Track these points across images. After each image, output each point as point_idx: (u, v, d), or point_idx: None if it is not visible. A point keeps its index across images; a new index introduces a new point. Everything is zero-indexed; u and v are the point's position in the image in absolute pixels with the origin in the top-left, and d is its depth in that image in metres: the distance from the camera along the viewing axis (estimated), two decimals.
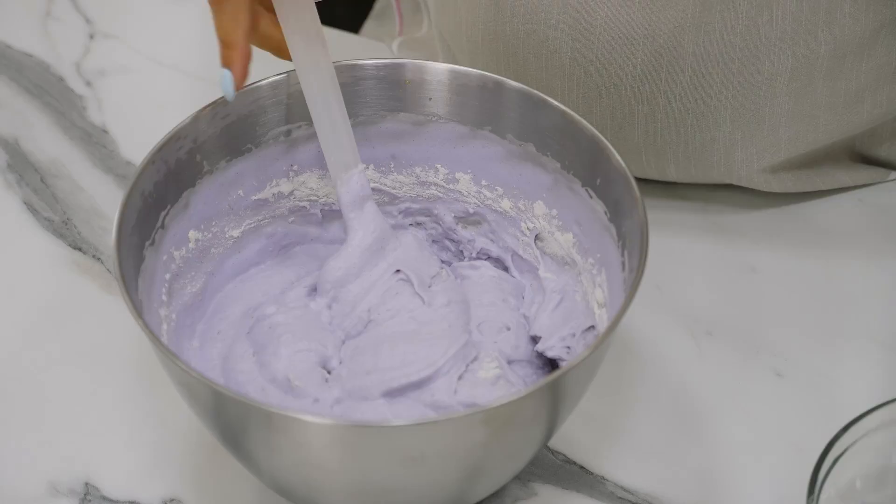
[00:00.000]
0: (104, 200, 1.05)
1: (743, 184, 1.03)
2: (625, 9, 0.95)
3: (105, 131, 1.10)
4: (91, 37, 1.17)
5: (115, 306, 0.99)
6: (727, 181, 1.03)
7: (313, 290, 0.92)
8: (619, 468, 0.90)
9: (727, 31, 0.95)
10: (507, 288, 0.93)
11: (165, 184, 0.87)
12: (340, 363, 0.88)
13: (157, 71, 1.15)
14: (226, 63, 0.85)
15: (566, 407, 0.82)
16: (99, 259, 1.02)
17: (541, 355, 0.90)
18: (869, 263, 1.00)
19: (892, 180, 1.06)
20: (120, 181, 1.06)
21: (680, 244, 1.01)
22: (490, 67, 0.99)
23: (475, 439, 0.78)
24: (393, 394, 0.86)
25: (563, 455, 0.91)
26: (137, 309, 0.80)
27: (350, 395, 0.86)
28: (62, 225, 1.04)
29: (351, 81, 0.91)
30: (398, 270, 0.92)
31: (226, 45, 0.85)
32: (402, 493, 0.81)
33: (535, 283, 0.93)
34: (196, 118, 0.88)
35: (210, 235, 0.91)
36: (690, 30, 0.95)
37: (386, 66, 0.91)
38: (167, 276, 0.88)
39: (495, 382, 0.86)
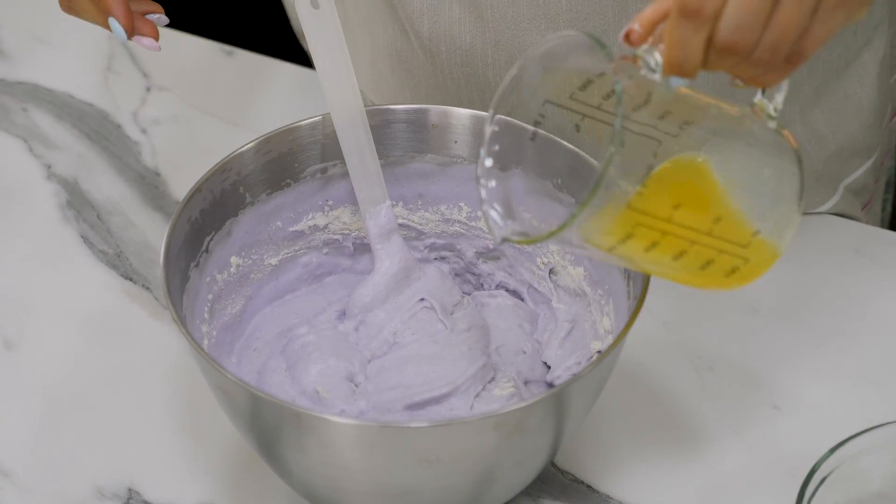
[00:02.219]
0: (154, 235, 1.13)
1: None
2: (551, 29, 1.02)
3: (157, 174, 1.19)
4: (147, 89, 1.26)
5: (161, 331, 1.07)
6: None
7: (342, 314, 1.00)
8: (623, 488, 0.96)
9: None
10: (522, 315, 1.00)
11: (211, 212, 0.95)
12: (366, 379, 0.96)
13: (205, 120, 1.23)
14: (108, 12, 0.90)
15: (572, 418, 0.88)
16: (148, 288, 1.10)
17: None
18: (861, 309, 1.07)
19: (826, 212, 1.13)
20: (169, 218, 1.14)
21: (687, 287, 1.08)
22: None
23: (487, 444, 0.84)
24: (414, 407, 0.93)
25: (572, 474, 0.97)
26: (181, 320, 0.88)
27: (374, 408, 0.93)
28: (115, 257, 1.12)
29: (382, 124, 0.98)
30: (422, 299, 0.99)
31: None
32: (419, 496, 0.88)
33: (549, 312, 1.00)
34: (241, 153, 0.96)
35: (250, 262, 0.99)
36: (613, 35, 1.02)
37: (415, 111, 0.99)
38: (209, 296, 0.96)
39: (510, 399, 0.93)
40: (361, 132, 0.96)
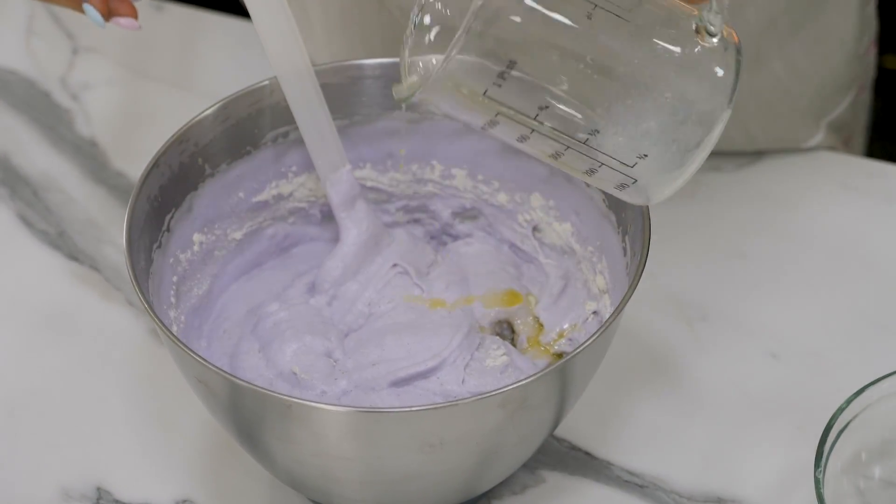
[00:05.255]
0: (98, 211, 1.06)
1: None
2: None
3: (94, 144, 1.11)
4: (74, 52, 1.18)
5: (116, 314, 1.00)
6: None
7: (312, 287, 0.94)
8: (624, 453, 0.92)
9: None
10: (504, 259, 0.95)
11: (169, 187, 0.89)
12: (345, 355, 0.90)
13: (141, 83, 1.16)
14: None
15: (576, 389, 0.83)
16: (96, 268, 1.03)
17: None
18: (854, 247, 1.03)
19: (812, 148, 1.09)
20: (112, 192, 1.07)
21: (670, 233, 1.03)
22: None
23: (491, 423, 0.79)
24: (400, 384, 0.87)
25: (569, 442, 0.93)
26: (151, 308, 0.81)
27: (357, 387, 0.88)
28: (57, 237, 1.05)
29: (348, 82, 0.92)
30: (395, 264, 0.94)
31: None
32: (419, 481, 0.82)
33: (538, 268, 0.95)
34: (198, 122, 0.89)
35: (213, 238, 0.92)
36: None
37: (381, 65, 0.93)
38: (174, 278, 0.89)
39: (504, 371, 0.88)
40: (312, 94, 0.89)
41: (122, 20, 0.85)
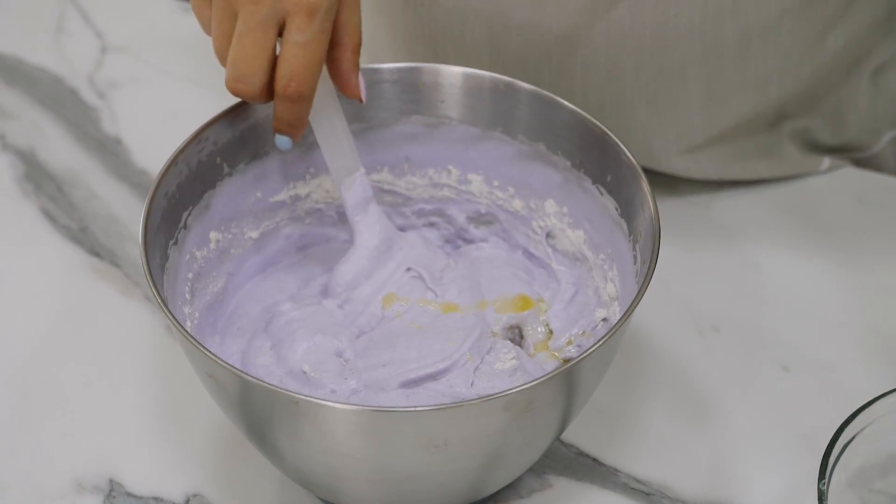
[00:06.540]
0: (120, 207, 1.07)
1: (663, 169, 1.06)
2: (537, 11, 0.98)
3: (118, 141, 1.13)
4: (102, 50, 1.19)
5: (134, 309, 1.01)
6: (647, 165, 1.05)
7: (326, 289, 0.95)
8: (632, 460, 0.92)
9: (637, 24, 0.98)
10: (516, 264, 0.96)
11: (187, 185, 0.89)
12: (356, 355, 0.91)
13: (168, 82, 1.17)
14: (282, 132, 0.88)
15: (582, 395, 0.84)
16: (116, 264, 1.04)
17: None
18: (868, 259, 1.03)
19: (825, 171, 1.09)
20: (135, 189, 1.09)
21: (685, 243, 1.03)
22: None
23: (496, 425, 0.80)
24: (409, 385, 0.88)
25: (576, 448, 0.93)
26: (165, 304, 0.82)
27: (367, 387, 0.88)
28: (80, 232, 1.06)
29: (367, 85, 0.93)
30: (409, 269, 0.94)
31: (291, 125, 0.87)
32: (424, 481, 0.83)
33: (548, 272, 0.95)
34: (217, 121, 0.90)
35: (230, 236, 0.93)
36: (602, 24, 0.98)
37: (400, 70, 0.94)
38: (190, 275, 0.90)
39: (513, 374, 0.89)
40: (328, 99, 0.90)
41: (282, 140, 0.87)
